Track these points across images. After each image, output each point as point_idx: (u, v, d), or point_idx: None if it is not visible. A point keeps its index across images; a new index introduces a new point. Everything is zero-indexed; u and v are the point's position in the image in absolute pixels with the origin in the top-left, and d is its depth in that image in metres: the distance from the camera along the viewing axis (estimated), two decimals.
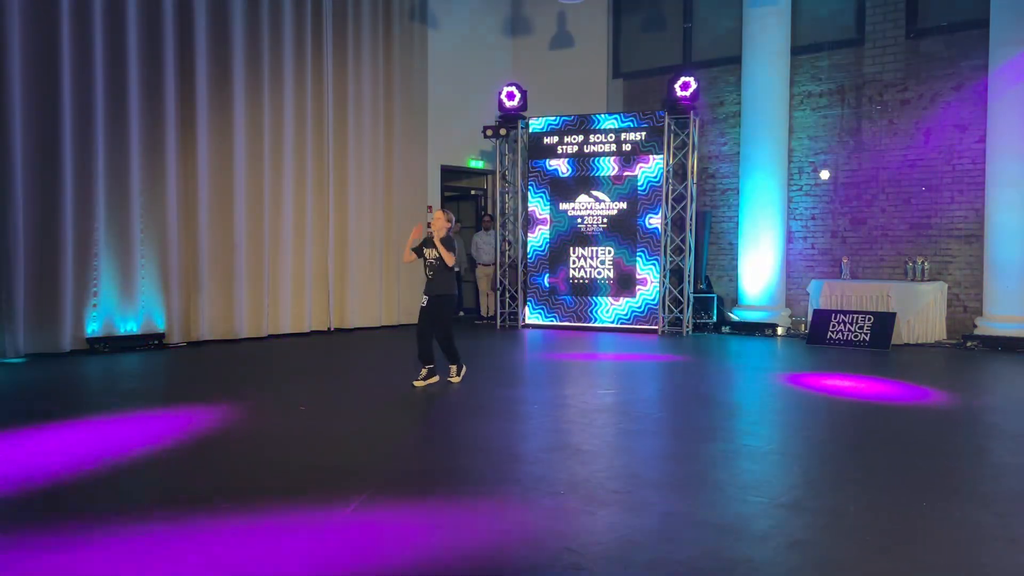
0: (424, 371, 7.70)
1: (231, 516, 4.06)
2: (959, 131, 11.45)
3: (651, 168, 12.45)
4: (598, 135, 12.80)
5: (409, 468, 5.04)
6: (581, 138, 12.90)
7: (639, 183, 12.53)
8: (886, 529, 3.91)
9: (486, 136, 13.44)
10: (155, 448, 5.46)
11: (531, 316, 13.28)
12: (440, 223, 7.59)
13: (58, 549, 3.60)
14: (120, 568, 3.40)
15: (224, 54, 11.08)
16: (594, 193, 12.83)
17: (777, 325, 12.24)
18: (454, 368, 7.87)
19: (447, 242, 7.57)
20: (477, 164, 15.19)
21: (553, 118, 13.14)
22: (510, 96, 13.20)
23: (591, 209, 12.84)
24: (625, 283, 12.64)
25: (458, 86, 14.44)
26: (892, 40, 11.99)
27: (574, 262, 12.97)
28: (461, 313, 14.18)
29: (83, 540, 3.73)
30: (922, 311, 11.11)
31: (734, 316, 12.73)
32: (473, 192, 15.94)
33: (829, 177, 12.58)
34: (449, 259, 7.57)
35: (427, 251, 7.67)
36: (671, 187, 12.49)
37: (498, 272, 13.65)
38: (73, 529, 3.86)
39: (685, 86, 12.18)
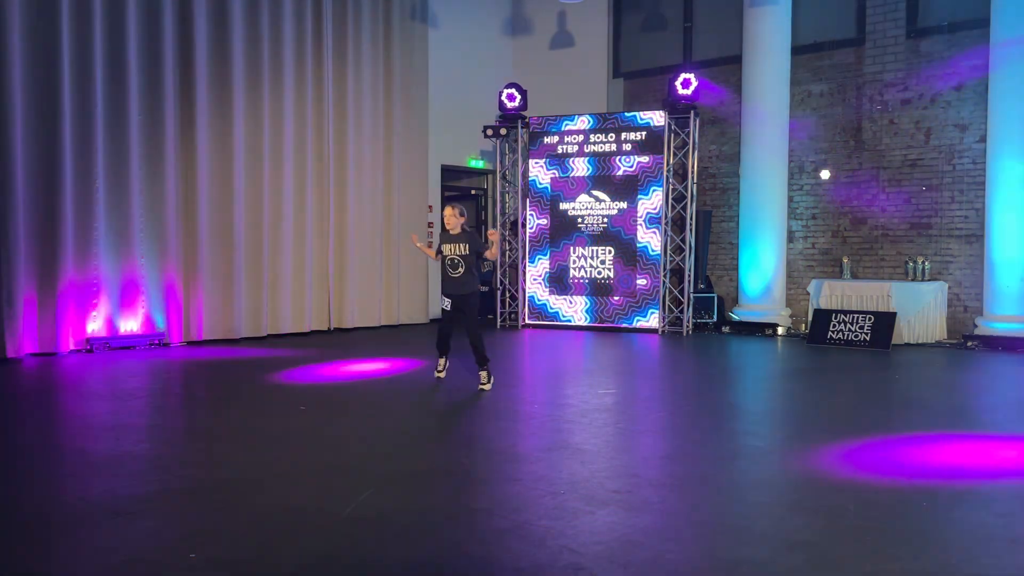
0: (441, 361, 7.84)
1: None
2: (959, 131, 11.44)
3: (651, 168, 12.45)
4: (598, 135, 12.80)
5: (409, 467, 5.04)
6: (581, 138, 12.89)
7: (639, 183, 12.52)
8: (886, 529, 3.91)
9: (486, 136, 13.44)
10: None
11: (531, 316, 13.27)
12: (452, 220, 7.43)
13: None
14: None
15: (224, 54, 11.07)
16: (594, 193, 12.82)
17: (777, 325, 12.23)
18: (484, 375, 7.51)
19: (471, 242, 7.40)
20: (477, 164, 15.18)
21: (553, 118, 13.14)
22: (511, 97, 13.20)
23: (591, 209, 12.84)
24: (625, 283, 12.63)
25: (458, 86, 14.44)
26: (892, 40, 11.98)
27: (574, 262, 12.96)
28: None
29: None
30: (922, 311, 11.10)
31: (734, 316, 12.72)
32: (473, 192, 15.94)
33: (829, 176, 12.57)
34: (493, 253, 7.52)
35: (445, 247, 7.44)
36: (671, 187, 12.48)
37: (498, 272, 13.65)
38: None
39: (686, 83, 12.18)
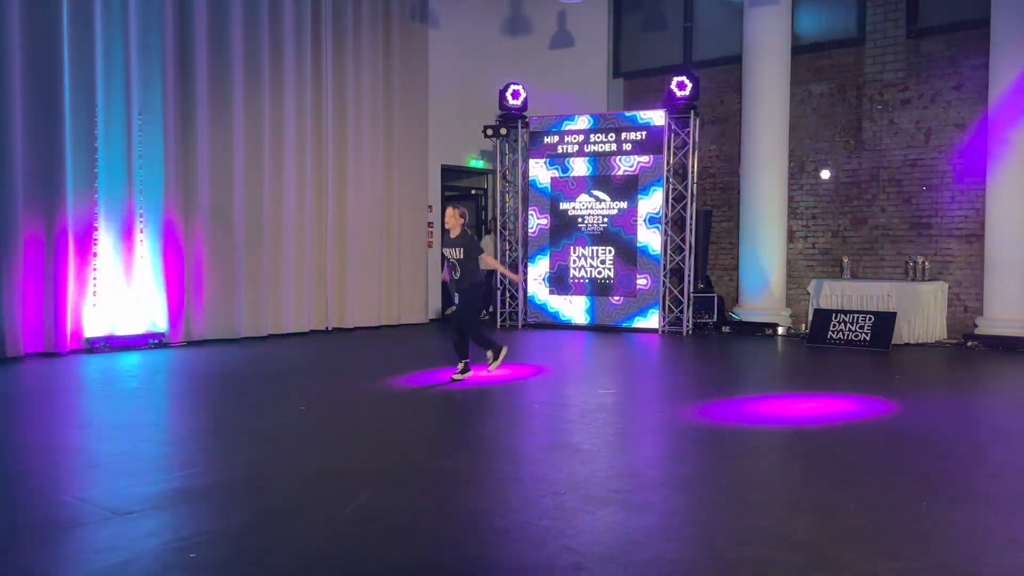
0: (460, 365, 7.95)
1: None
2: (959, 131, 11.44)
3: (651, 168, 12.44)
4: (598, 134, 12.79)
5: (410, 467, 5.04)
6: (581, 138, 12.89)
7: (639, 183, 12.52)
8: (886, 529, 3.91)
9: (486, 136, 13.43)
10: None
11: (531, 316, 13.27)
12: (451, 221, 7.76)
13: None
14: None
15: (224, 54, 11.06)
16: (594, 193, 12.81)
17: (777, 325, 12.23)
18: (490, 354, 8.01)
19: (468, 246, 7.68)
20: (477, 164, 15.18)
21: (553, 117, 13.14)
22: (515, 95, 13.21)
23: (591, 209, 12.83)
24: (625, 282, 12.63)
25: (458, 86, 14.43)
26: (892, 39, 11.98)
27: (574, 262, 12.96)
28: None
29: None
30: (922, 311, 11.10)
31: (734, 316, 12.72)
32: (473, 192, 15.94)
33: (829, 176, 12.58)
34: (486, 263, 7.87)
35: (447, 251, 7.78)
36: (671, 187, 12.48)
37: (498, 272, 13.64)
38: None
39: (681, 86, 12.20)
